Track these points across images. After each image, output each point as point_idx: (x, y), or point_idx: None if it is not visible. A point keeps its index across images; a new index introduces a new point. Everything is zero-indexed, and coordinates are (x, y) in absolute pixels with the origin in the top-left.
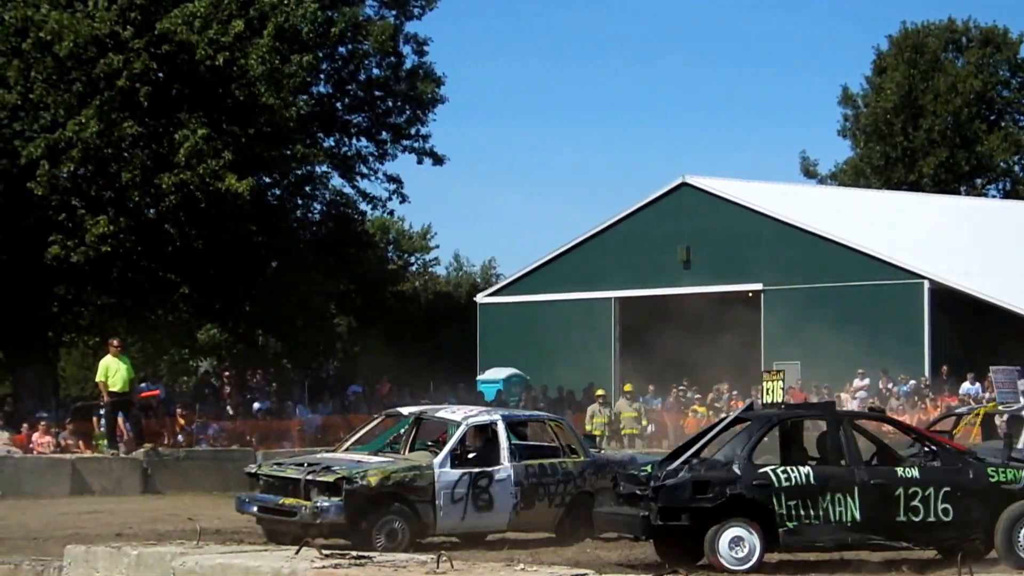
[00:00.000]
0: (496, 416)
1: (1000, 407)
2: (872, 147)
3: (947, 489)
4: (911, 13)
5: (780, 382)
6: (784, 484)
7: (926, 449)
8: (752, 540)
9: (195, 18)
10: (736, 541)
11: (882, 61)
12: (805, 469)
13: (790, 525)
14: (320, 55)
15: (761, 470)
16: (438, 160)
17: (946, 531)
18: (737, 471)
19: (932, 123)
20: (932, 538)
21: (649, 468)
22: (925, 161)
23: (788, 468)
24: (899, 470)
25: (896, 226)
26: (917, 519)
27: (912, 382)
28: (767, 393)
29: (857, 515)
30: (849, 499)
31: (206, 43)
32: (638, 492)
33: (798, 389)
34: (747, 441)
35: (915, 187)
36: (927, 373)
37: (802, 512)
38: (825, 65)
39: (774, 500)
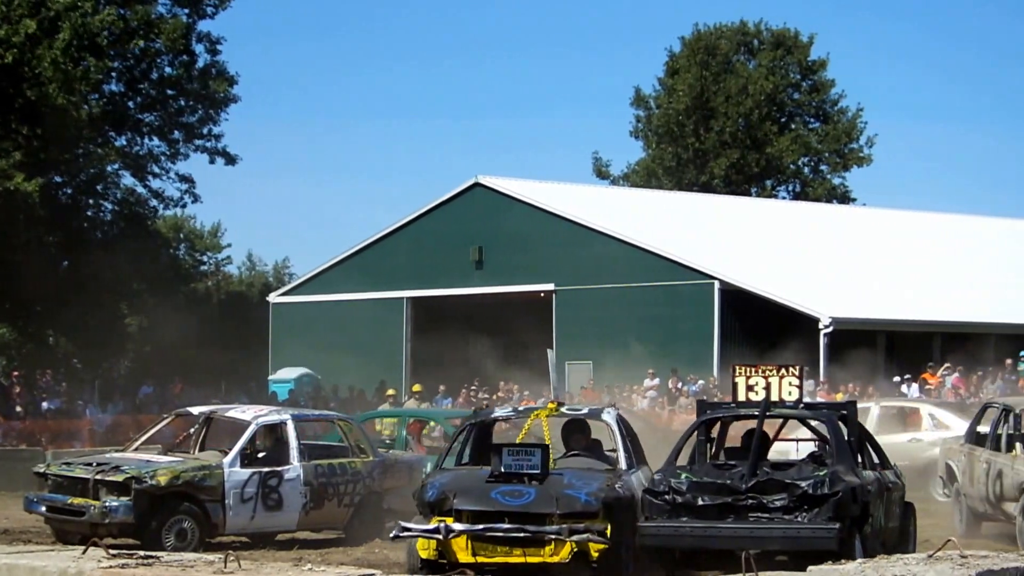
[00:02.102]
0: (286, 416)
1: (564, 409)
2: (664, 148)
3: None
4: (703, 15)
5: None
6: (872, 489)
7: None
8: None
9: None
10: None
11: (674, 63)
12: (869, 473)
13: (868, 530)
14: (112, 53)
15: (864, 474)
16: (230, 160)
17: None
18: (857, 478)
19: (723, 125)
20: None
21: (796, 477)
22: (716, 162)
23: (866, 472)
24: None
25: (687, 227)
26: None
27: (701, 382)
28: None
29: (883, 520)
30: (881, 503)
31: None
32: (794, 503)
33: (590, 389)
34: (847, 444)
35: (706, 188)
36: (715, 373)
37: (873, 514)
38: (618, 66)
39: (868, 505)
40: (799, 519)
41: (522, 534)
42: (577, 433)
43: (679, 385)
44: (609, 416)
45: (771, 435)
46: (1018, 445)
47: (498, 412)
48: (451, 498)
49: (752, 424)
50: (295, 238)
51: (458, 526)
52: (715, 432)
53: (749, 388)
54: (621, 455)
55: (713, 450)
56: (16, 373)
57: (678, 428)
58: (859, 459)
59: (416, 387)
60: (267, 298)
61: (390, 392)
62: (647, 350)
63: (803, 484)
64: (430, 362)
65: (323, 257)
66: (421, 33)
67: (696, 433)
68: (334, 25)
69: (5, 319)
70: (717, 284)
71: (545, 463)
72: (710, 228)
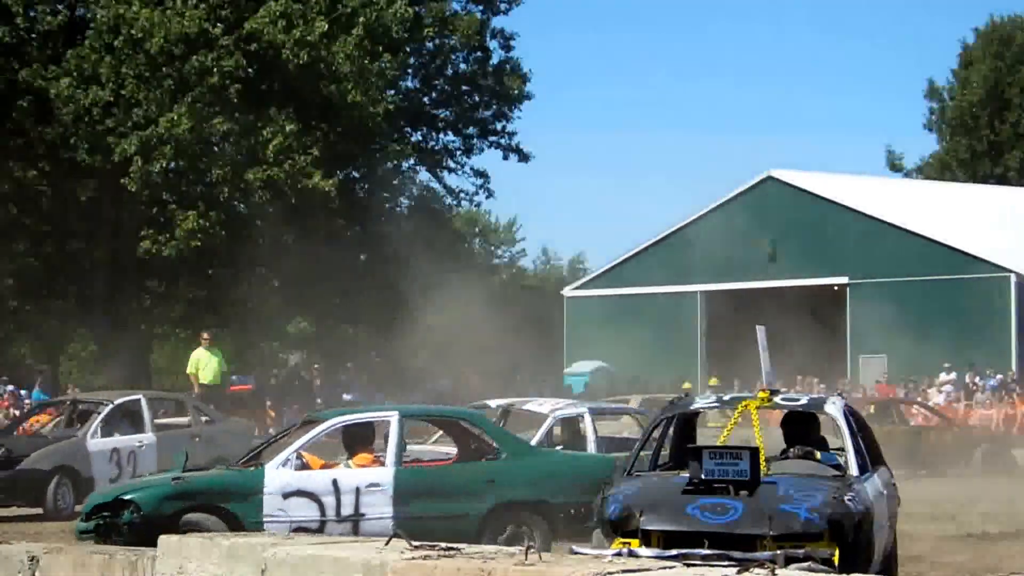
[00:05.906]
0: (583, 409)
1: (778, 399)
2: (958, 140)
3: None
4: (998, 6)
5: None
6: None
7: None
8: None
9: (280, 17)
10: None
11: (968, 54)
12: None
13: None
14: (407, 50)
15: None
16: (524, 157)
17: None
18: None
19: (1019, 116)
20: None
21: None
22: (1011, 154)
23: None
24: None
25: (982, 220)
26: None
27: (999, 376)
28: None
29: None
30: None
31: (292, 42)
32: None
33: (884, 383)
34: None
35: (1001, 180)
36: (1014, 367)
37: None
38: (911, 59)
39: None
40: None
41: (726, 563)
42: (799, 429)
43: (976, 379)
44: (834, 407)
45: None
46: None
47: (699, 402)
48: (637, 515)
49: None
50: (590, 233)
51: (645, 552)
52: None
53: None
54: (851, 456)
55: None
56: (316, 366)
57: (975, 424)
58: None
59: (712, 380)
60: (562, 292)
61: (686, 386)
62: (941, 344)
63: None
64: (725, 356)
65: (617, 251)
66: (715, 33)
67: None
68: (625, 21)
69: (304, 312)
70: (1013, 277)
71: (756, 468)
72: (1005, 221)
